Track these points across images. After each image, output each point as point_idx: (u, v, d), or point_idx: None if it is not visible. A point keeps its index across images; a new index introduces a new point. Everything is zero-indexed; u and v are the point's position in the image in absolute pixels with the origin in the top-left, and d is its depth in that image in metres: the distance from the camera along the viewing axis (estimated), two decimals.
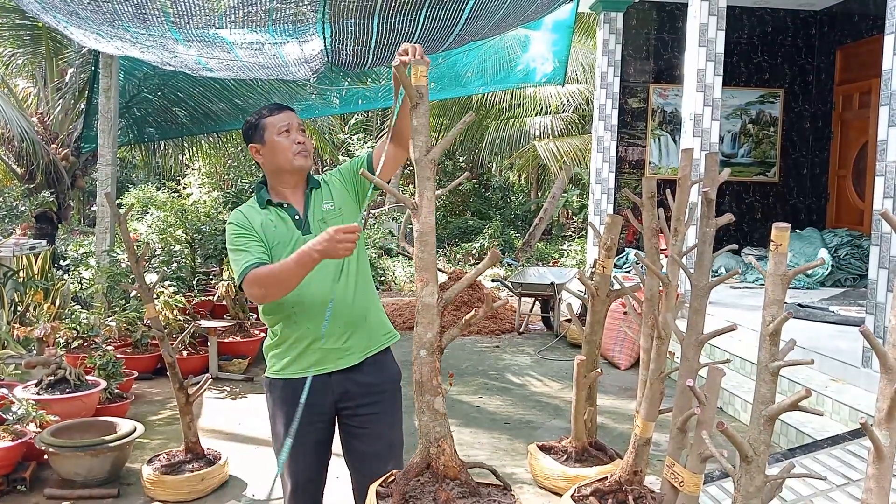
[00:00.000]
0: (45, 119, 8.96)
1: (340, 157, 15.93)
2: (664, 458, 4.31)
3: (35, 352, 4.91)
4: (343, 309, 2.40)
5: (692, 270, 2.86)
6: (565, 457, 4.01)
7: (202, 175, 12.75)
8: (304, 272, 2.19)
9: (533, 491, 3.99)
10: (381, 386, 2.52)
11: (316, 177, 2.54)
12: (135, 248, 3.74)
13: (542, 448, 4.14)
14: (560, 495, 3.83)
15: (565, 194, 16.04)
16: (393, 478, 2.00)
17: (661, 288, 3.22)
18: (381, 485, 2.01)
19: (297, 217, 2.43)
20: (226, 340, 6.57)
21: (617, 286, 3.99)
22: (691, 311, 2.91)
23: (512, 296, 8.65)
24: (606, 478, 3.56)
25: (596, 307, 3.95)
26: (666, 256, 3.41)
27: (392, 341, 2.57)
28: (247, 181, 10.82)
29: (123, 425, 4.14)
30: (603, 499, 3.41)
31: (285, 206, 2.45)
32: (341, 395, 2.46)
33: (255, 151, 2.46)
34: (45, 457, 3.98)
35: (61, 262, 8.72)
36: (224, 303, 7.07)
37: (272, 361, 2.50)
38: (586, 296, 4.19)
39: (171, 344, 3.89)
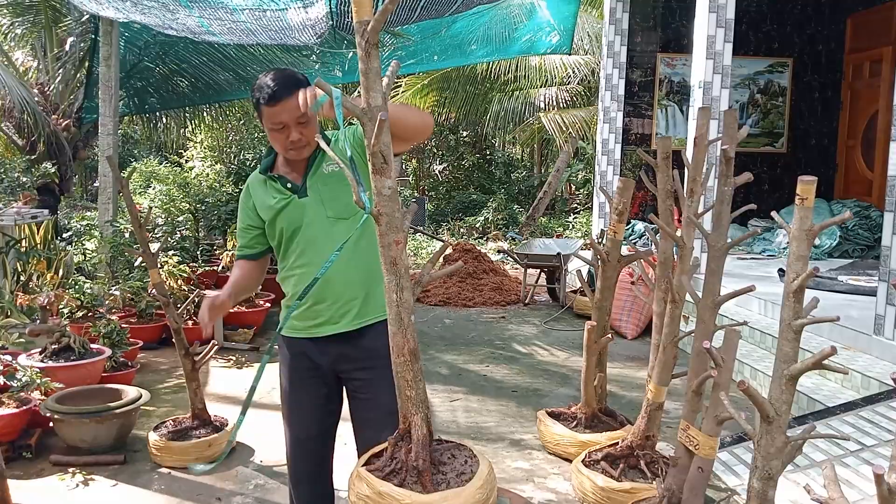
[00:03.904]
0: (46, 89, 8.86)
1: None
2: (674, 425, 4.29)
3: (39, 320, 4.86)
4: (343, 274, 2.36)
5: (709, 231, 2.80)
6: (575, 423, 3.97)
7: (205, 148, 12.64)
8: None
9: (542, 457, 3.95)
10: (378, 351, 2.44)
11: (327, 133, 2.46)
12: (138, 212, 3.68)
13: (551, 414, 4.10)
14: (570, 460, 3.80)
15: (569, 168, 15.92)
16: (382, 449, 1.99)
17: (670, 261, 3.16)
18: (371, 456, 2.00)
19: (288, 185, 2.40)
20: (231, 310, 6.51)
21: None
22: (708, 272, 2.85)
23: (517, 267, 8.59)
24: (617, 443, 3.53)
25: (607, 273, 3.89)
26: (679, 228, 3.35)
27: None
28: (250, 154, 10.73)
29: (129, 392, 4.11)
30: (614, 464, 3.38)
31: (277, 177, 2.41)
32: (338, 356, 2.44)
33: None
34: (51, 424, 3.95)
35: (64, 235, 8.67)
36: (228, 274, 7.03)
37: (282, 318, 2.48)
38: (597, 262, 4.14)
39: (176, 311, 3.84)
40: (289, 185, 2.39)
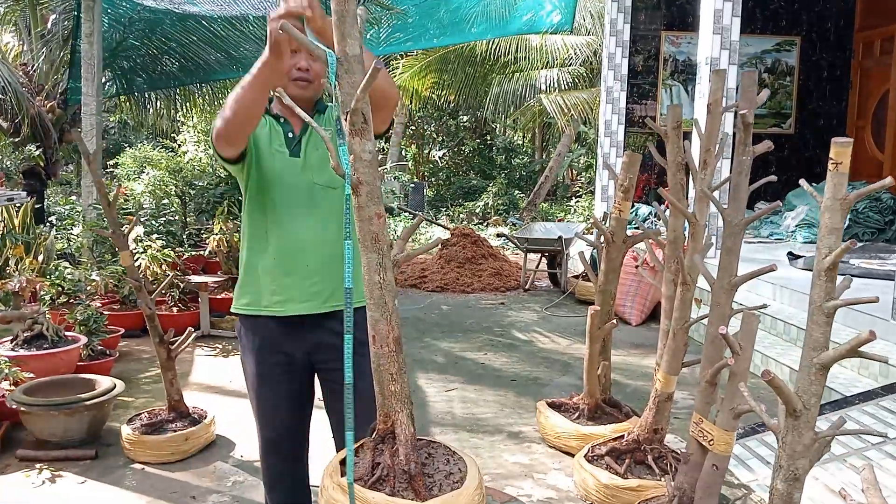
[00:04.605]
0: (30, 70, 8.58)
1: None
2: (683, 416, 4.05)
3: (12, 306, 4.62)
4: (318, 248, 2.12)
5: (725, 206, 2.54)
6: (577, 414, 3.73)
7: (198, 132, 12.33)
8: (260, 75, 1.87)
9: (542, 450, 3.71)
10: (357, 339, 2.20)
11: (327, 103, 2.22)
12: (105, 188, 3.42)
13: (551, 405, 3.86)
14: (572, 455, 3.56)
15: (570, 153, 15.63)
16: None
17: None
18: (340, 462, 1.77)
19: (290, 135, 2.16)
20: (218, 297, 6.28)
21: None
22: (723, 251, 2.59)
23: (518, 252, 8.34)
24: (623, 436, 3.28)
25: (611, 254, 3.64)
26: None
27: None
28: None
29: (102, 383, 3.86)
30: (619, 459, 3.13)
31: (282, 120, 2.17)
32: (314, 346, 2.19)
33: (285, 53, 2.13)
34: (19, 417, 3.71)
35: (53, 220, 8.41)
36: (217, 259, 6.77)
37: (236, 293, 2.24)
38: (600, 243, 3.89)
39: (150, 295, 3.59)
40: (290, 135, 2.15)
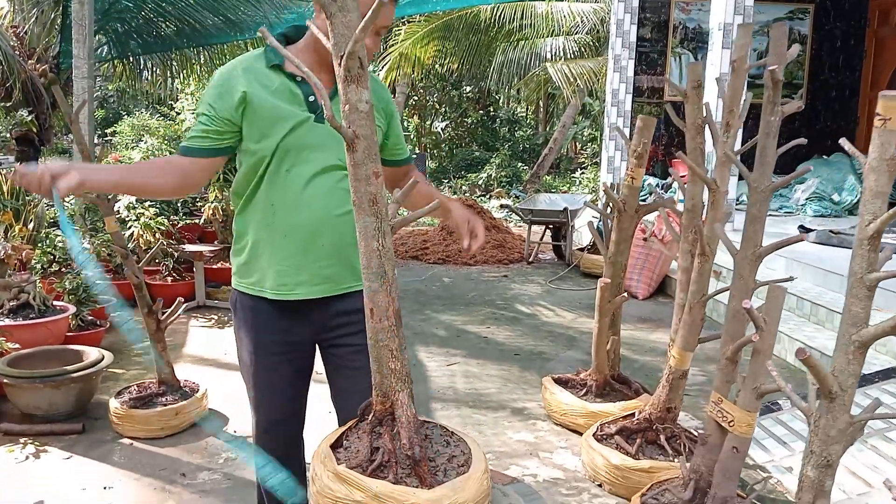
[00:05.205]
0: (20, 32, 8.33)
1: None
2: (693, 393, 3.89)
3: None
4: (336, 227, 1.88)
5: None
6: (584, 391, 3.57)
7: (196, 100, 12.11)
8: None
9: (548, 428, 3.56)
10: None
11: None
12: (89, 151, 3.24)
13: (558, 381, 3.70)
14: (579, 433, 3.41)
15: (575, 125, 15.36)
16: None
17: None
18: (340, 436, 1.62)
19: (311, 98, 1.84)
20: (214, 266, 6.11)
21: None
22: (748, 219, 2.41)
23: (521, 225, 8.16)
24: (633, 414, 3.13)
25: (623, 224, 3.45)
26: (685, 183, 2.91)
27: None
28: None
29: (90, 354, 3.71)
30: (630, 438, 2.98)
31: (299, 79, 1.83)
32: (321, 325, 1.98)
33: (316, 6, 1.76)
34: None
35: None
36: (212, 227, 6.60)
37: (238, 269, 2.01)
38: (607, 213, 3.71)
39: (137, 263, 3.42)
40: (311, 99, 1.84)
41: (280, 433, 2.09)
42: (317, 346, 2.07)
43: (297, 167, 1.84)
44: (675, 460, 2.83)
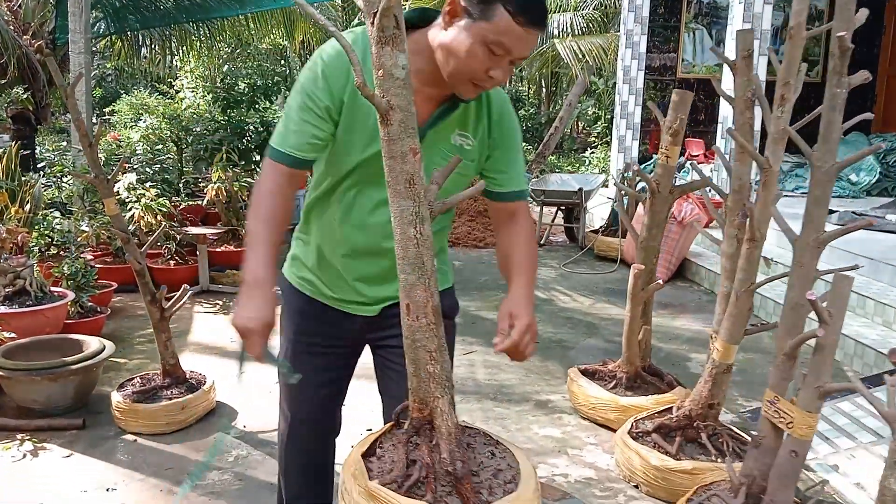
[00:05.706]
0: (14, 6, 8.06)
1: None
2: (735, 389, 3.69)
3: None
4: (392, 257, 1.68)
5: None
6: (614, 383, 3.38)
7: (196, 77, 11.82)
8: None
9: (575, 422, 3.37)
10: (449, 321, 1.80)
11: (467, 99, 1.60)
12: (85, 126, 3.01)
13: (584, 372, 3.51)
14: (609, 428, 3.23)
15: (579, 105, 15.07)
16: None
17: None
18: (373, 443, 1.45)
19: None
20: (217, 250, 5.91)
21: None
22: (811, 201, 2.21)
23: (531, 206, 7.94)
24: (670, 409, 2.94)
25: (656, 206, 3.24)
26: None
27: (443, 286, 1.75)
28: (245, 82, 9.92)
29: (91, 343, 3.51)
30: (669, 436, 2.79)
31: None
32: (374, 324, 1.80)
33: (451, 12, 1.48)
34: None
35: (46, 170, 7.99)
36: (216, 209, 6.38)
37: (294, 259, 1.85)
38: (624, 195, 3.49)
39: (140, 248, 3.21)
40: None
41: (309, 435, 1.90)
42: (367, 347, 1.90)
43: (373, 189, 1.64)
44: (719, 461, 2.64)
